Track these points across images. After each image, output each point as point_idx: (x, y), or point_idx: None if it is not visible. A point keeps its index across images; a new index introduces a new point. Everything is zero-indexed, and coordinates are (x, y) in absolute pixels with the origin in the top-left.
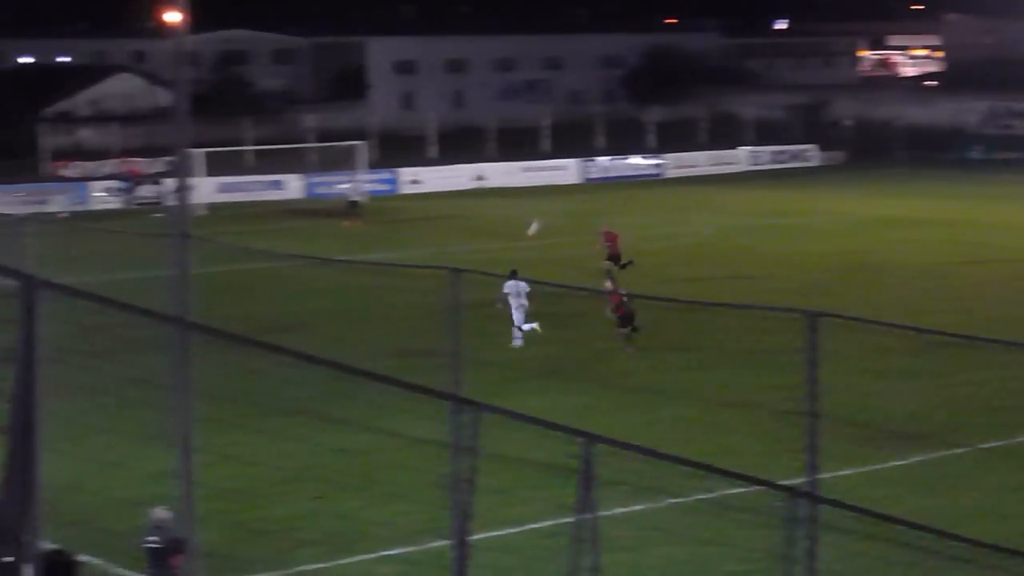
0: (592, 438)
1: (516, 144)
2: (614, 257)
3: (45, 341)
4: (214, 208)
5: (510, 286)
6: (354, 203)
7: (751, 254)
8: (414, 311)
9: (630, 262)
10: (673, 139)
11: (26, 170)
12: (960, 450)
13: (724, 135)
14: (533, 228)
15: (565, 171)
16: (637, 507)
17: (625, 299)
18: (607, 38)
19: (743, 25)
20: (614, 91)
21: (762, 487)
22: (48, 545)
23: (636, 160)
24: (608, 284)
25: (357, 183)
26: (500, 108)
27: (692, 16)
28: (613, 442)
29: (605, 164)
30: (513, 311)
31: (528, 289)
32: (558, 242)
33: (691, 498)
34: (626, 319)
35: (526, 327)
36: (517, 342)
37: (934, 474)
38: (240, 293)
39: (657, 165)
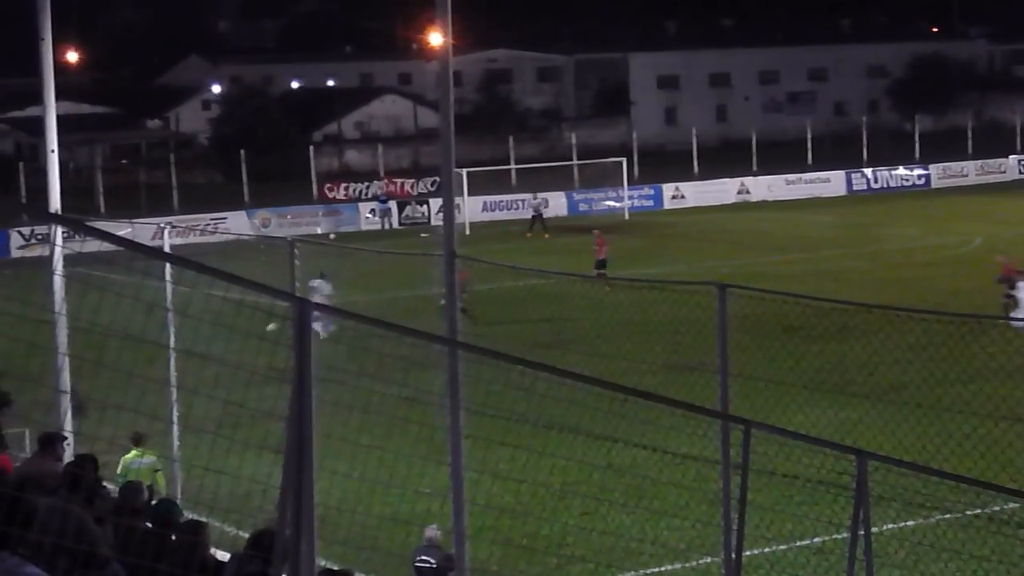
0: (864, 455)
1: (780, 157)
2: (600, 262)
3: (317, 361)
4: (478, 226)
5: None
6: (537, 216)
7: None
8: (680, 326)
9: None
10: (940, 149)
11: (298, 192)
12: None
13: (993, 143)
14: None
15: (830, 183)
16: (910, 523)
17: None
18: (872, 48)
19: (1010, 31)
20: (879, 101)
21: None
22: (324, 564)
23: (902, 171)
24: None
25: (539, 199)
26: (764, 121)
27: (958, 23)
28: (886, 459)
29: (871, 175)
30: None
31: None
32: (825, 255)
33: (965, 514)
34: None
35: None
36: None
37: None
38: (506, 310)
39: (924, 175)
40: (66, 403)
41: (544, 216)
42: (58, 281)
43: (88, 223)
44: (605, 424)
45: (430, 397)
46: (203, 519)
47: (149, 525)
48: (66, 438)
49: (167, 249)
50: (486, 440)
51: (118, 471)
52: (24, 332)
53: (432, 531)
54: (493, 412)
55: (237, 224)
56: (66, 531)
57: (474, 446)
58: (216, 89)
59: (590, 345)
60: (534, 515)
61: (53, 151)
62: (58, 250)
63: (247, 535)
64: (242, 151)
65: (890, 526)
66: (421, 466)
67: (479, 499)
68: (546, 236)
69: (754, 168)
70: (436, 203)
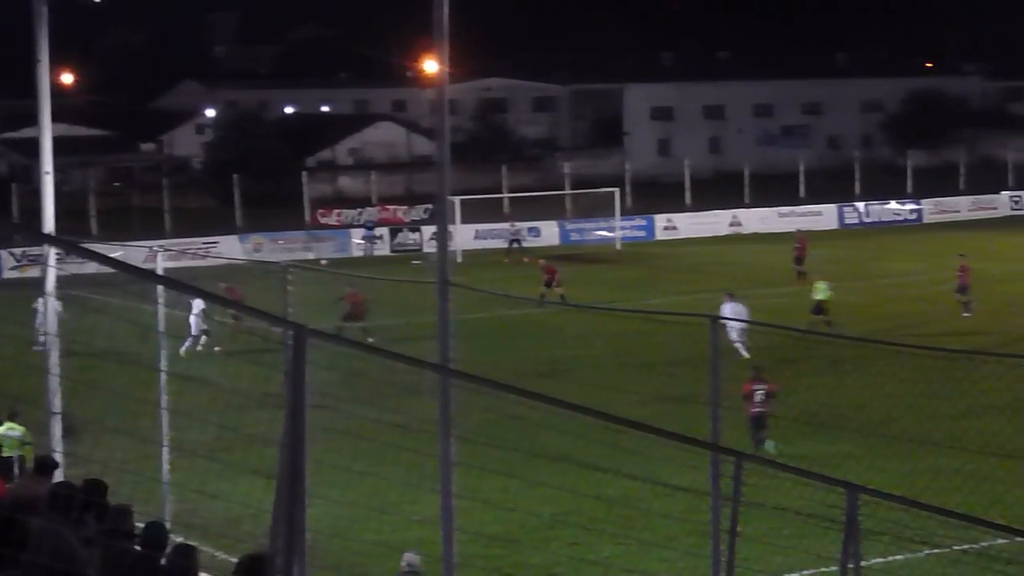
0: (854, 488)
1: (773, 189)
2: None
3: (311, 388)
4: (470, 254)
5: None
6: (516, 241)
7: (1016, 301)
8: (672, 358)
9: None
10: (933, 184)
11: (291, 218)
12: None
13: (985, 180)
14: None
15: (822, 216)
16: (899, 557)
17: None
18: (867, 82)
19: (1005, 68)
20: (873, 136)
21: None
22: None
23: (895, 205)
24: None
25: (515, 227)
26: (757, 153)
27: (954, 60)
28: (876, 492)
29: (863, 209)
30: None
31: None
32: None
33: (953, 549)
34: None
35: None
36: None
37: None
38: (498, 339)
39: (916, 210)
40: (57, 425)
41: (522, 243)
42: (51, 302)
43: (82, 245)
44: (596, 454)
45: (422, 424)
46: (193, 543)
47: (138, 548)
48: (57, 464)
49: (160, 272)
50: (477, 468)
51: None
52: (18, 353)
53: (411, 556)
54: (485, 440)
55: (229, 248)
56: (57, 554)
57: (465, 474)
58: (211, 113)
59: (581, 375)
60: (523, 544)
61: (48, 173)
62: (51, 271)
63: (236, 560)
64: (235, 175)
65: (879, 560)
66: (413, 493)
67: (469, 527)
68: (525, 260)
69: (747, 200)
70: (428, 230)
